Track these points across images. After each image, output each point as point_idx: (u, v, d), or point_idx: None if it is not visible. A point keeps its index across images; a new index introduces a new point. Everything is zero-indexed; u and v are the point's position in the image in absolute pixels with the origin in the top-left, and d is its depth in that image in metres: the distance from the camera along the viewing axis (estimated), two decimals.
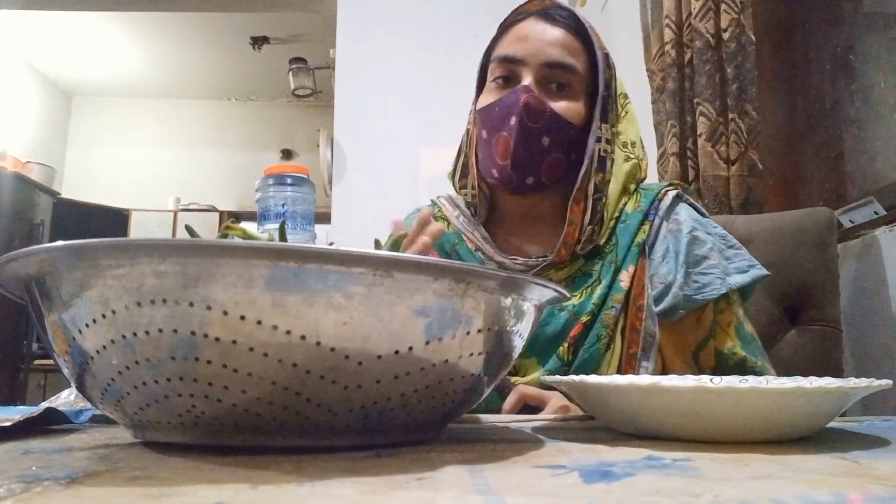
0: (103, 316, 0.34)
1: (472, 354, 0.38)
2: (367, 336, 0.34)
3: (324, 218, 2.08)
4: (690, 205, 0.88)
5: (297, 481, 0.29)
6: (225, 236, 0.52)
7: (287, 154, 5.51)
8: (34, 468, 0.32)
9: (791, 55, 1.56)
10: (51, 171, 4.61)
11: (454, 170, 0.93)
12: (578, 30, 0.85)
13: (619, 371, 0.78)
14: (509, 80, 0.84)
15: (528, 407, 0.71)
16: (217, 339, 0.33)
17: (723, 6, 1.35)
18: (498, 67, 0.85)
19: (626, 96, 0.89)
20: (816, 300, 1.06)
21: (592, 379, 0.50)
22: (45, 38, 4.63)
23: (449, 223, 0.92)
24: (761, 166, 1.32)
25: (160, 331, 0.33)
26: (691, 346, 0.82)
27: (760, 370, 0.80)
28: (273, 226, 0.64)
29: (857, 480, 0.30)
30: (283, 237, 0.56)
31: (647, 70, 1.58)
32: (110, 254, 0.34)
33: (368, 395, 0.35)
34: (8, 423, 0.45)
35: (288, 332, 0.33)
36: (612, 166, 0.85)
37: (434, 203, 0.96)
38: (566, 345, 0.79)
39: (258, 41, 4.65)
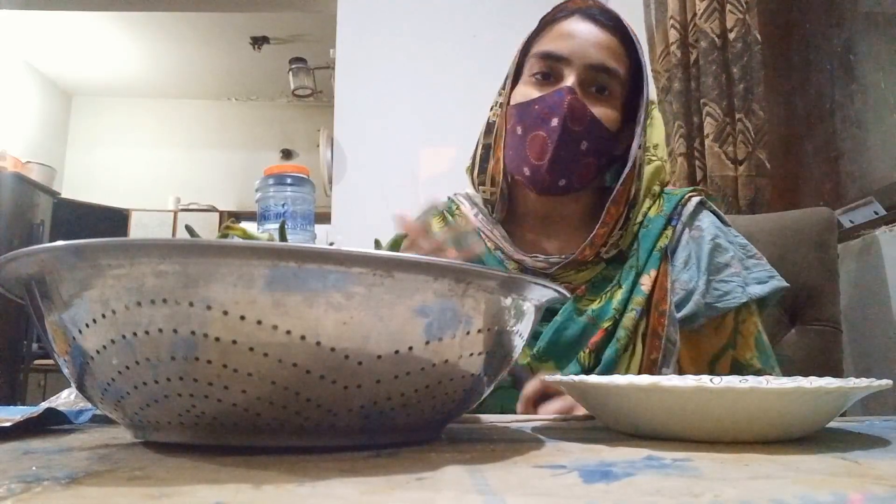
0: (103, 316, 0.34)
1: (472, 354, 0.38)
2: (367, 336, 0.34)
3: (324, 218, 2.07)
4: (713, 212, 0.88)
5: (297, 481, 0.29)
6: (225, 236, 0.52)
7: (287, 154, 5.51)
8: (34, 468, 0.32)
9: (791, 55, 1.56)
10: (51, 171, 4.60)
11: (472, 164, 0.91)
12: (623, 34, 0.84)
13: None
14: (549, 76, 0.82)
15: (547, 396, 0.70)
16: (217, 339, 0.33)
17: (728, 6, 1.35)
18: (539, 63, 0.83)
19: (653, 102, 0.89)
20: (816, 300, 1.06)
21: (592, 379, 0.50)
22: (45, 38, 4.63)
23: (467, 221, 0.91)
24: (769, 166, 1.32)
25: (160, 331, 0.33)
26: (708, 355, 0.81)
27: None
28: (273, 226, 0.64)
29: (857, 480, 0.30)
30: (283, 237, 0.56)
31: (653, 70, 1.58)
32: (110, 254, 0.34)
33: (368, 395, 0.35)
34: (8, 423, 0.45)
35: (288, 332, 0.33)
36: (644, 174, 0.85)
37: (451, 200, 0.95)
38: (587, 350, 0.78)
39: (258, 41, 4.65)
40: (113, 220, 5.03)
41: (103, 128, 5.49)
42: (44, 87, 5.17)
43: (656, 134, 0.87)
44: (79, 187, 5.11)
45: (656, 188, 0.86)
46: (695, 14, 1.42)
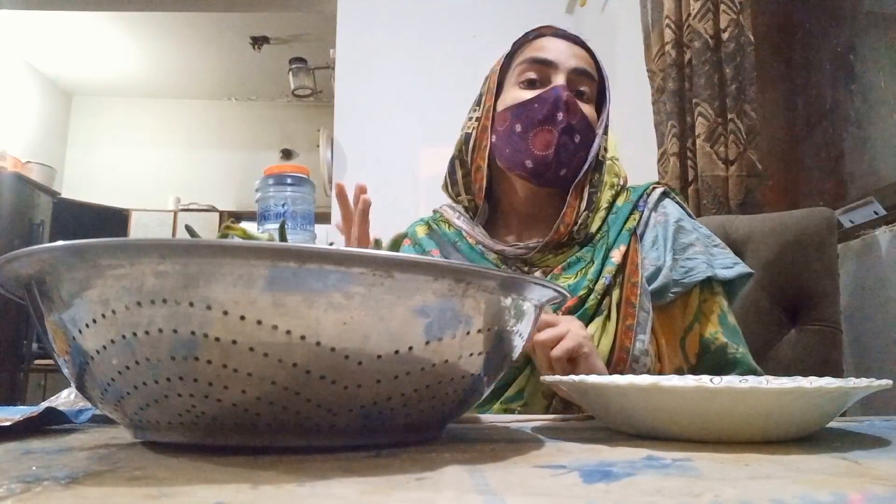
0: (103, 316, 0.34)
1: (472, 354, 0.38)
2: (367, 336, 0.34)
3: (324, 218, 2.07)
4: (676, 202, 0.94)
5: (297, 481, 0.29)
6: (225, 236, 0.52)
7: (287, 154, 5.51)
8: (34, 468, 0.32)
9: (791, 55, 1.56)
10: (51, 171, 4.60)
11: (445, 183, 0.99)
12: (591, 55, 0.93)
13: (616, 341, 0.81)
14: (536, 82, 0.89)
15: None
16: (217, 339, 0.33)
17: (722, 7, 1.35)
18: (529, 68, 0.90)
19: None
20: (816, 300, 1.06)
21: (592, 379, 0.50)
22: (45, 38, 4.63)
23: (450, 224, 0.97)
24: (760, 167, 1.32)
25: (160, 331, 0.33)
26: (678, 332, 0.85)
27: (742, 358, 0.83)
28: (273, 226, 0.64)
29: (857, 480, 0.30)
30: (283, 237, 0.56)
31: (648, 70, 1.58)
32: (110, 254, 0.34)
33: (368, 395, 0.35)
34: (8, 423, 0.45)
35: (288, 332, 0.33)
36: (605, 169, 0.92)
37: (436, 212, 1.02)
38: (559, 313, 0.82)
39: (258, 41, 4.65)
40: (113, 220, 5.03)
41: (103, 128, 5.49)
42: (44, 87, 5.17)
43: (612, 142, 0.96)
44: (79, 187, 5.11)
45: (615, 180, 0.93)
46: (689, 14, 1.42)
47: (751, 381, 0.51)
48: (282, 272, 0.33)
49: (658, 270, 0.85)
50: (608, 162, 0.93)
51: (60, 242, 0.34)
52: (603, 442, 0.42)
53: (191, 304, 0.33)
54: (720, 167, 1.33)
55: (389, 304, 0.34)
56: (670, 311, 0.85)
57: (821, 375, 0.50)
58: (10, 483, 0.28)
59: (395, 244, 0.57)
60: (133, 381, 0.35)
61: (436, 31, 2.61)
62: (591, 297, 0.83)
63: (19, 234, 4.06)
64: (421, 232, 0.99)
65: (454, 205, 1.00)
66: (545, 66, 0.89)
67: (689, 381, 0.53)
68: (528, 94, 0.88)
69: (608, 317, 0.83)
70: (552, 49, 0.90)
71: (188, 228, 0.56)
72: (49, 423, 0.50)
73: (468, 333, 0.37)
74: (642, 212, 0.90)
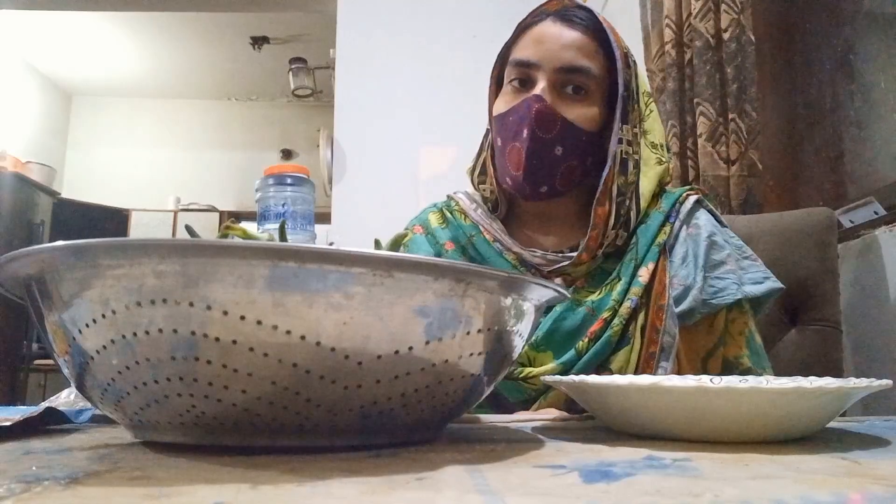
0: (103, 316, 0.34)
1: (472, 354, 0.38)
2: (367, 336, 0.34)
3: (324, 218, 2.08)
4: (709, 211, 0.88)
5: (297, 481, 0.29)
6: (225, 236, 0.52)
7: (287, 154, 5.51)
8: (34, 468, 0.32)
9: (791, 55, 1.56)
10: (51, 171, 4.60)
11: (473, 167, 0.93)
12: (596, 30, 0.84)
13: (637, 371, 0.77)
14: (525, 82, 0.84)
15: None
16: (217, 339, 0.33)
17: (723, 6, 1.35)
18: (513, 71, 0.84)
19: (649, 94, 0.88)
20: (816, 300, 1.06)
21: (592, 379, 0.50)
22: (45, 38, 4.63)
23: (466, 216, 0.91)
24: (761, 166, 1.32)
25: (160, 331, 0.33)
26: (701, 352, 0.82)
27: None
28: (273, 226, 0.64)
29: (857, 480, 0.30)
30: (283, 237, 0.56)
31: (647, 70, 1.58)
32: (110, 254, 0.34)
33: (368, 395, 0.35)
34: (8, 423, 0.45)
35: (288, 332, 0.33)
36: (634, 167, 0.84)
37: (451, 198, 0.96)
38: (585, 339, 0.78)
39: (258, 41, 4.65)
40: (113, 220, 5.03)
41: (103, 128, 5.49)
42: (44, 87, 5.17)
43: (658, 131, 0.87)
44: (79, 187, 5.11)
45: (657, 189, 0.86)
46: (689, 14, 1.42)
47: (751, 381, 0.51)
48: (282, 272, 0.33)
49: (687, 290, 0.80)
50: (647, 157, 0.84)
51: (60, 242, 0.34)
52: (603, 442, 0.42)
53: (191, 305, 0.33)
54: (721, 167, 1.33)
55: (389, 304, 0.34)
56: (693, 331, 0.81)
57: (821, 375, 0.50)
58: (10, 483, 0.28)
59: (395, 244, 0.57)
60: (133, 381, 0.35)
61: (436, 31, 2.60)
62: (616, 320, 0.78)
63: (19, 234, 4.06)
64: (434, 221, 0.93)
65: (472, 193, 0.94)
66: (528, 69, 0.83)
67: (689, 381, 0.53)
68: (511, 103, 0.83)
69: (631, 345, 0.78)
70: (542, 41, 0.83)
71: (188, 228, 0.56)
72: (49, 423, 0.50)
73: (468, 333, 0.37)
74: (673, 223, 0.84)
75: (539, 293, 0.42)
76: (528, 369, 0.79)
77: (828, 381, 0.45)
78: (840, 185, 1.37)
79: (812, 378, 0.49)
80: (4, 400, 3.86)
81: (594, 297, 0.81)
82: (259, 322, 0.33)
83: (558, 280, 0.83)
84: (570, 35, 0.83)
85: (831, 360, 1.04)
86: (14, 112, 4.77)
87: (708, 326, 0.82)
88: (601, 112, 0.83)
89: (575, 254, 0.82)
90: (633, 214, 0.83)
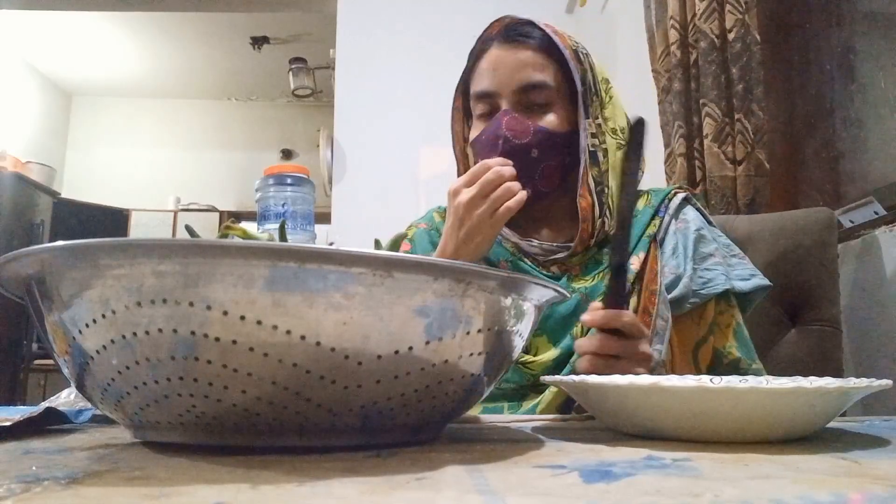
0: (103, 316, 0.34)
1: (472, 354, 0.38)
2: (367, 336, 0.34)
3: (324, 218, 2.07)
4: (697, 209, 0.92)
5: (297, 481, 0.29)
6: (225, 236, 0.52)
7: (287, 154, 5.51)
8: (34, 468, 0.32)
9: (791, 55, 1.56)
10: (51, 171, 4.61)
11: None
12: (542, 39, 0.87)
13: None
14: (491, 113, 0.87)
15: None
16: (217, 339, 0.33)
17: (727, 6, 1.35)
18: (478, 104, 0.89)
19: (607, 81, 0.90)
20: (816, 300, 1.06)
21: (592, 379, 0.50)
22: (45, 38, 4.63)
23: None
24: (768, 166, 1.32)
25: (160, 331, 0.33)
26: (691, 343, 0.84)
27: (755, 373, 0.82)
28: (273, 226, 0.64)
29: (857, 480, 0.30)
30: (283, 237, 0.56)
31: (653, 71, 1.58)
32: (110, 254, 0.34)
33: (368, 395, 0.35)
34: (8, 423, 0.45)
35: (288, 332, 0.33)
36: (605, 156, 0.86)
37: None
38: (580, 325, 0.81)
39: (258, 41, 4.65)
40: (113, 220, 5.03)
41: (103, 128, 5.49)
42: (44, 87, 5.17)
43: (619, 116, 0.89)
44: (79, 187, 5.11)
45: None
46: (694, 14, 1.42)
47: (751, 381, 0.51)
48: (282, 272, 0.33)
49: (678, 279, 0.83)
50: (609, 145, 0.86)
51: (60, 242, 0.34)
52: (603, 442, 0.42)
53: (191, 304, 0.33)
54: (728, 167, 1.33)
55: (389, 304, 0.34)
56: (684, 321, 0.84)
57: (821, 375, 0.50)
58: (10, 483, 0.28)
59: (395, 244, 0.57)
60: (133, 381, 0.35)
61: (436, 31, 2.61)
62: None
63: (19, 234, 4.06)
64: (438, 217, 0.98)
65: None
66: (489, 98, 0.86)
67: (689, 381, 0.53)
68: (480, 129, 0.87)
69: None
70: (496, 69, 0.86)
71: (188, 228, 0.56)
72: (49, 423, 0.50)
73: (468, 333, 0.37)
74: (662, 217, 0.88)
75: (539, 293, 0.42)
76: (527, 356, 0.81)
77: (828, 381, 0.45)
78: (840, 185, 1.37)
79: (812, 378, 0.49)
80: (4, 400, 3.86)
81: (588, 283, 0.85)
82: (259, 322, 0.33)
83: (554, 268, 0.87)
84: (519, 55, 0.86)
85: (831, 360, 1.04)
86: (14, 112, 4.77)
87: (697, 318, 0.85)
88: (567, 113, 0.87)
89: (571, 245, 0.86)
90: (610, 201, 0.86)
